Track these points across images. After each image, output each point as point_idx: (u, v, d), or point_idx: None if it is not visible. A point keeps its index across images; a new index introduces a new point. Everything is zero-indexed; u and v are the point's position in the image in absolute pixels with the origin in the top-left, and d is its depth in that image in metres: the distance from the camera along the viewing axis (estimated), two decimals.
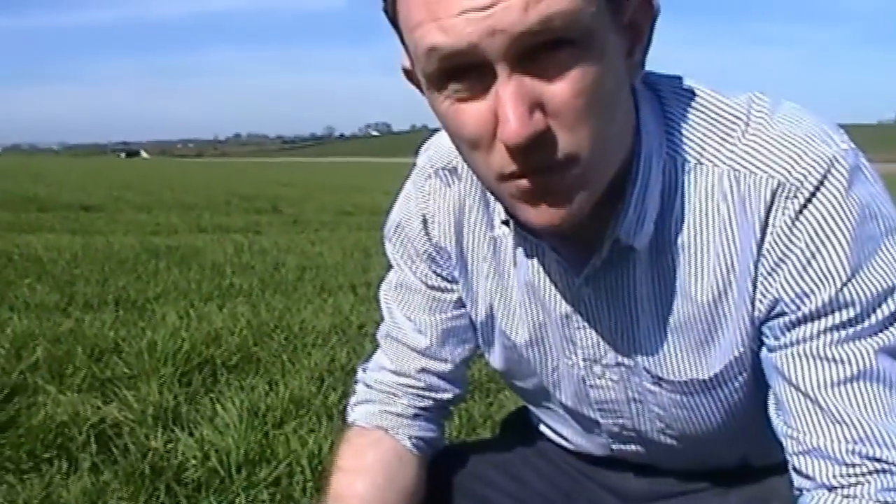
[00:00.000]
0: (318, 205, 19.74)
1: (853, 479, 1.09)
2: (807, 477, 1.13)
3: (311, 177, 46.47)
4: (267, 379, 4.11)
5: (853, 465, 1.09)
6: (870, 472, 1.09)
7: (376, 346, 1.50)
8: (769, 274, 1.13)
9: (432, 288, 1.40)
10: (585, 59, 0.97)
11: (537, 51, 0.96)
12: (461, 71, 0.98)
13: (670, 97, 1.17)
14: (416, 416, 1.44)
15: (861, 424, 1.08)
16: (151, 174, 43.95)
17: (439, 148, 1.34)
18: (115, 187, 24.99)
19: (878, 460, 1.08)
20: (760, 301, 1.15)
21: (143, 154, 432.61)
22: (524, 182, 1.02)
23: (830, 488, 1.11)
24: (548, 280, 1.27)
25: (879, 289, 1.08)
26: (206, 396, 3.85)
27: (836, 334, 1.10)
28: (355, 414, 1.46)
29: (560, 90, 0.97)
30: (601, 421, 1.37)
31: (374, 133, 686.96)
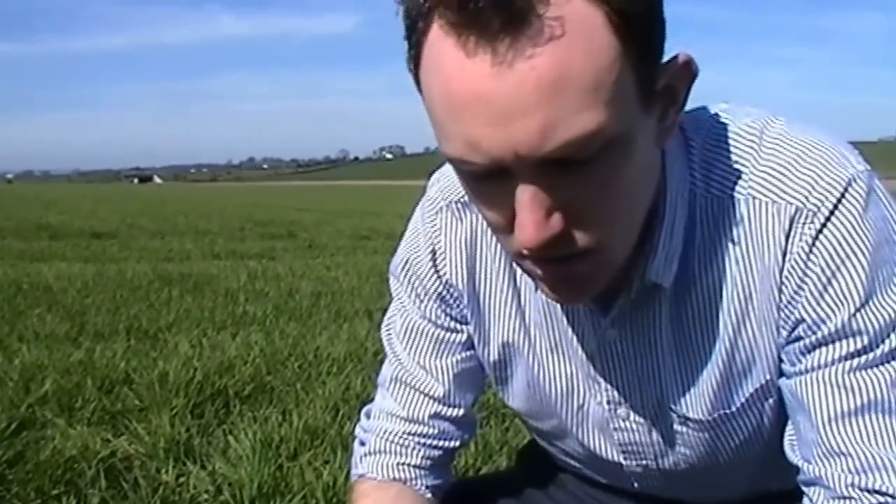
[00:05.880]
0: (333, 229, 19.80)
1: None
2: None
3: (326, 201, 46.77)
4: (281, 409, 4.06)
5: (850, 499, 1.08)
6: None
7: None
8: (791, 300, 1.11)
9: (441, 328, 1.35)
10: (608, 161, 0.94)
11: (558, 162, 0.92)
12: (481, 172, 0.96)
13: (692, 129, 1.15)
14: (431, 467, 1.39)
15: (865, 456, 1.07)
16: (165, 200, 44.26)
17: (452, 178, 1.28)
18: (128, 214, 25.17)
19: (879, 492, 1.06)
20: (783, 328, 1.13)
21: (157, 180, 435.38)
22: (540, 270, 1.03)
23: None
24: (572, 321, 1.25)
25: (894, 316, 1.07)
26: (218, 428, 3.80)
27: (849, 362, 1.08)
28: (366, 466, 1.40)
29: (580, 194, 0.95)
30: (624, 463, 1.35)
31: (388, 156, 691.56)
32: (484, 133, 0.90)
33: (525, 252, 0.99)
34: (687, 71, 1.01)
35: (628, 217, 1.03)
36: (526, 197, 0.94)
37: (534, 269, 1.04)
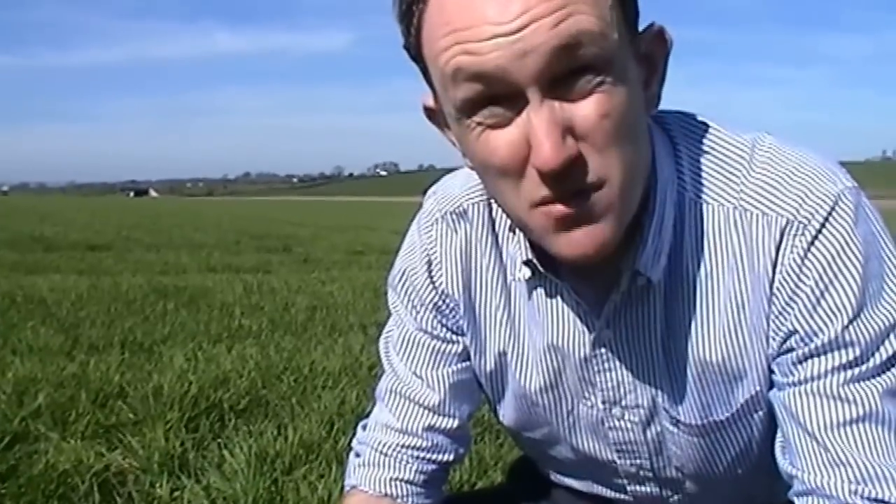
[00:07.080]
0: (328, 244, 19.72)
1: None
2: None
3: (322, 216, 46.69)
4: (276, 423, 4.03)
5: None
6: None
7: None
8: (782, 311, 1.14)
9: (437, 339, 1.36)
10: (610, 83, 0.99)
11: (564, 78, 0.98)
12: (491, 99, 1.00)
13: (679, 133, 1.20)
14: (424, 483, 1.40)
15: (865, 465, 1.09)
16: (161, 213, 44.18)
17: (447, 191, 1.33)
18: (123, 226, 25.10)
19: (881, 501, 1.08)
20: (773, 339, 1.16)
21: (153, 193, 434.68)
22: (557, 208, 1.03)
23: None
24: (567, 323, 1.26)
25: (884, 327, 1.10)
26: (213, 442, 3.78)
27: (843, 374, 1.10)
28: (358, 478, 1.41)
29: (588, 113, 0.99)
30: (618, 462, 1.36)
31: (383, 173, 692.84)
32: (500, 54, 0.96)
33: (543, 194, 1.02)
34: (662, 40, 1.09)
35: (632, 155, 1.05)
36: (542, 117, 0.98)
37: (549, 213, 1.04)
